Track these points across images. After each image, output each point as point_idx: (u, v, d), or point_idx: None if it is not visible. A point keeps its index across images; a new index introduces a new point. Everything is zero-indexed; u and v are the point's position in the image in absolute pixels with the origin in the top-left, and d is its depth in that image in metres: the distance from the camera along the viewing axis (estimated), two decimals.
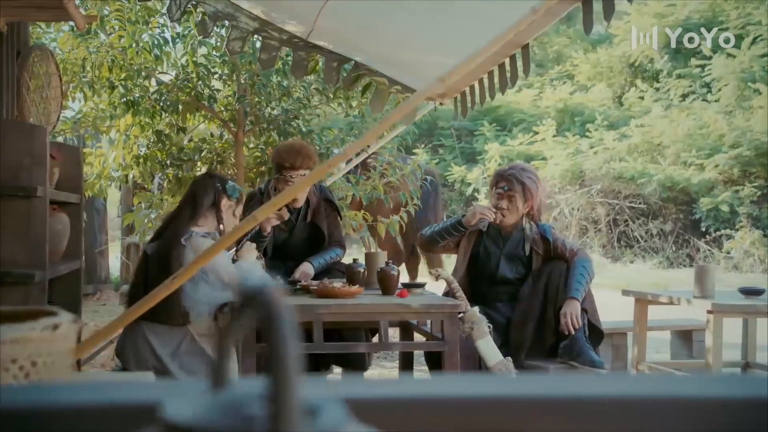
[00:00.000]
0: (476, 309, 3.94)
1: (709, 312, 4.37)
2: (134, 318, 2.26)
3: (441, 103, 5.58)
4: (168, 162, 6.04)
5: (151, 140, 5.95)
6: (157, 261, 3.74)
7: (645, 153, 15.88)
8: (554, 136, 16.41)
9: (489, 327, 3.93)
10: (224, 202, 3.88)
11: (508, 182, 4.36)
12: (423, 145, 17.28)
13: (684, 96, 16.90)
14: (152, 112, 5.82)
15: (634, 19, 18.25)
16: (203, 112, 6.18)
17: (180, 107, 5.88)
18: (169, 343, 3.77)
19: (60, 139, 7.17)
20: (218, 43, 5.87)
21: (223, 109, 6.17)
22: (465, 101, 5.26)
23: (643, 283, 12.46)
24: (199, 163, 6.24)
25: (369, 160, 6.46)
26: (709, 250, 14.52)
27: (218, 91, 6.17)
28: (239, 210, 4.00)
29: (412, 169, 6.31)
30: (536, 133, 16.64)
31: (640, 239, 15.05)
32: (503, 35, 2.55)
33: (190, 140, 6.38)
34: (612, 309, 5.71)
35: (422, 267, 8.19)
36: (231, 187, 3.95)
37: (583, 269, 4.15)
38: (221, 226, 3.84)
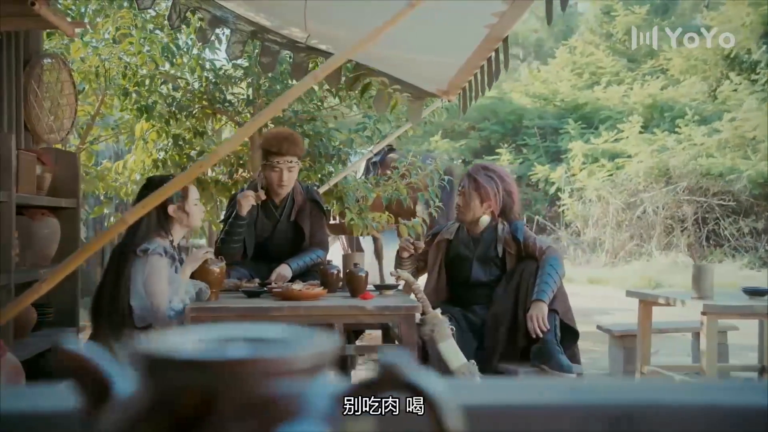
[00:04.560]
0: (438, 311, 3.82)
1: (702, 313, 4.10)
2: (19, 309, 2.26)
3: (449, 100, 5.48)
4: (187, 166, 6.09)
5: (169, 144, 6.03)
6: (111, 266, 3.73)
7: (735, 148, 15.16)
8: (640, 132, 15.88)
9: (452, 329, 3.80)
10: (170, 209, 3.71)
11: (464, 181, 4.30)
12: (507, 145, 17.01)
13: None
14: (167, 118, 5.89)
15: (730, 9, 17.52)
16: (219, 117, 6.23)
17: (194, 112, 5.95)
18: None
19: (103, 145, 7.38)
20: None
21: (241, 111, 6.19)
22: (466, 97, 5.14)
23: (724, 283, 11.92)
24: (222, 166, 6.29)
25: (388, 160, 6.37)
26: None
27: (235, 95, 6.21)
28: (191, 201, 3.78)
29: (432, 170, 6.19)
30: (621, 130, 16.14)
31: (730, 238, 14.39)
32: (378, 30, 2.45)
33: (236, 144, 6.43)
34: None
35: None
36: None
37: (551, 268, 3.96)
38: (170, 236, 3.75)
